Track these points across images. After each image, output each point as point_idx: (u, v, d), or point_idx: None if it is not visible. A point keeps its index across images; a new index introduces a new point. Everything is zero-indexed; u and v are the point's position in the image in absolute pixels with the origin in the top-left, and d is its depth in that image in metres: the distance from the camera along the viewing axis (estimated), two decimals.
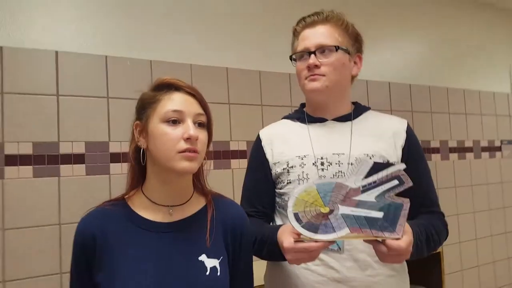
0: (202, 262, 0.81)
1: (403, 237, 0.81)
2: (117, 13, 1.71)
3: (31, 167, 1.50)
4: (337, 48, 1.04)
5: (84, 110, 1.60)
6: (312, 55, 1.04)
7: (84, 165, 1.58)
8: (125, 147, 1.65)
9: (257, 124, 1.95)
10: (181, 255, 0.80)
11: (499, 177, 2.99)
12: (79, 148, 1.58)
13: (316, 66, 1.03)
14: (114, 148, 1.65)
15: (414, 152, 1.08)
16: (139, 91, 0.89)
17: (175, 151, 0.78)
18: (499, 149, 3.02)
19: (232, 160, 1.89)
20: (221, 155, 1.87)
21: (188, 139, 0.78)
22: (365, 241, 0.85)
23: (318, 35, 1.05)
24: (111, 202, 0.85)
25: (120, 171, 1.64)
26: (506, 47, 3.19)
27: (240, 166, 1.89)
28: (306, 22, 1.08)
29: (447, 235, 1.08)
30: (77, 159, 1.57)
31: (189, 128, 0.79)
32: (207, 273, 0.80)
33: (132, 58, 1.71)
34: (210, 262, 0.81)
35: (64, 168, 1.55)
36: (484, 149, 2.94)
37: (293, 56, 1.11)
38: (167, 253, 0.80)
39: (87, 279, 0.81)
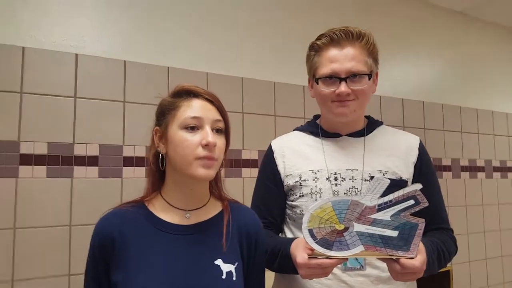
0: (218, 266, 0.81)
1: (417, 256, 0.80)
2: (137, 20, 1.74)
3: (45, 167, 1.51)
4: (370, 76, 1.02)
5: (100, 113, 1.62)
6: (343, 83, 0.99)
7: (97, 167, 1.60)
8: (138, 152, 1.68)
9: (269, 134, 1.96)
10: (198, 258, 0.81)
11: (511, 197, 2.96)
12: (93, 151, 1.60)
13: (348, 94, 0.99)
14: (127, 152, 1.66)
15: (426, 169, 1.08)
16: (157, 97, 0.90)
17: (193, 157, 0.79)
18: (511, 169, 3.00)
19: (243, 169, 1.89)
20: (233, 163, 1.87)
21: (206, 146, 0.80)
22: (379, 259, 0.85)
23: (349, 58, 0.99)
24: (130, 203, 0.86)
25: (132, 175, 1.66)
26: None
27: (251, 175, 1.89)
28: (333, 39, 1.01)
29: (456, 252, 1.08)
30: (91, 161, 1.59)
31: (207, 134, 0.80)
32: (223, 277, 0.81)
33: (150, 64, 1.73)
34: (226, 267, 0.82)
35: (78, 170, 1.56)
36: (496, 169, 2.92)
37: (317, 76, 1.04)
38: (184, 255, 0.81)
39: (103, 279, 0.81)
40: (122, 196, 1.62)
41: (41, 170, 1.51)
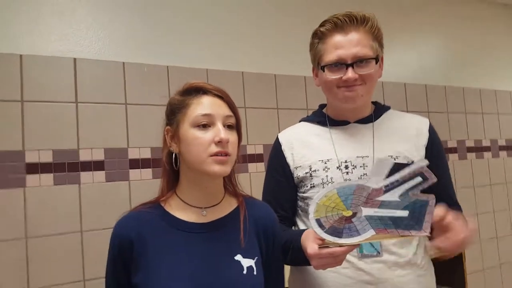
0: (239, 262, 0.81)
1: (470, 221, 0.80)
2: (134, 20, 1.72)
3: (51, 174, 1.51)
4: (377, 60, 1.01)
5: (102, 116, 1.61)
6: (350, 69, 0.98)
7: (103, 171, 1.59)
8: (144, 153, 1.67)
9: (273, 127, 1.95)
10: (217, 255, 0.81)
11: None
12: (99, 155, 1.59)
13: (355, 80, 0.98)
14: (133, 154, 1.65)
15: (436, 151, 1.07)
16: (163, 97, 0.90)
17: (207, 154, 0.79)
18: None
19: (249, 164, 1.88)
20: (241, 158, 1.87)
21: (219, 142, 0.79)
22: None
23: (354, 44, 0.97)
24: (146, 204, 0.86)
25: (139, 177, 1.65)
26: None
27: (257, 169, 1.88)
28: (336, 25, 0.99)
29: None
30: (97, 165, 1.58)
31: (219, 131, 0.80)
32: (244, 272, 0.81)
33: (149, 64, 1.72)
34: (246, 262, 0.82)
35: (84, 175, 1.56)
36: (502, 148, 2.90)
37: (322, 64, 1.02)
38: (203, 253, 0.81)
39: (124, 280, 0.82)
40: (131, 199, 1.62)
41: (48, 178, 1.50)
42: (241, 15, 1.97)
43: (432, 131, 1.09)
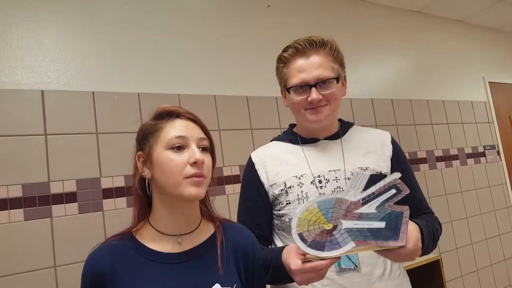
0: None
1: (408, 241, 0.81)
2: (101, 49, 1.73)
3: (21, 210, 1.46)
4: (337, 80, 1.05)
5: (73, 147, 1.58)
6: (314, 89, 1.02)
7: (76, 203, 1.55)
8: (117, 182, 1.64)
9: (248, 148, 1.95)
10: (194, 286, 0.78)
11: (486, 181, 3.08)
12: (70, 187, 1.55)
13: (320, 101, 1.03)
14: (106, 183, 1.62)
15: (401, 161, 1.12)
16: (137, 122, 0.89)
17: (182, 176, 0.77)
18: (483, 154, 3.12)
19: (226, 186, 1.89)
20: (215, 181, 1.86)
21: (194, 163, 0.78)
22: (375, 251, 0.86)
23: (315, 66, 1.03)
24: (118, 236, 0.83)
25: (113, 206, 1.62)
26: (479, 59, 3.36)
27: (234, 191, 1.89)
28: (298, 50, 1.05)
29: (441, 231, 1.11)
30: (69, 197, 1.54)
31: (194, 152, 0.79)
32: None
33: (119, 92, 1.72)
34: None
35: (56, 208, 1.51)
36: (468, 155, 3.03)
37: (287, 87, 1.07)
38: (180, 285, 0.78)
39: None
40: (106, 230, 1.58)
41: (18, 213, 1.45)
42: (209, 40, 2.01)
43: (394, 142, 1.15)
